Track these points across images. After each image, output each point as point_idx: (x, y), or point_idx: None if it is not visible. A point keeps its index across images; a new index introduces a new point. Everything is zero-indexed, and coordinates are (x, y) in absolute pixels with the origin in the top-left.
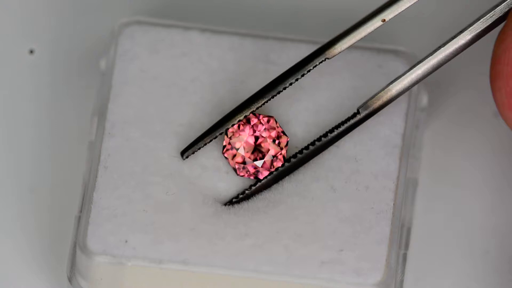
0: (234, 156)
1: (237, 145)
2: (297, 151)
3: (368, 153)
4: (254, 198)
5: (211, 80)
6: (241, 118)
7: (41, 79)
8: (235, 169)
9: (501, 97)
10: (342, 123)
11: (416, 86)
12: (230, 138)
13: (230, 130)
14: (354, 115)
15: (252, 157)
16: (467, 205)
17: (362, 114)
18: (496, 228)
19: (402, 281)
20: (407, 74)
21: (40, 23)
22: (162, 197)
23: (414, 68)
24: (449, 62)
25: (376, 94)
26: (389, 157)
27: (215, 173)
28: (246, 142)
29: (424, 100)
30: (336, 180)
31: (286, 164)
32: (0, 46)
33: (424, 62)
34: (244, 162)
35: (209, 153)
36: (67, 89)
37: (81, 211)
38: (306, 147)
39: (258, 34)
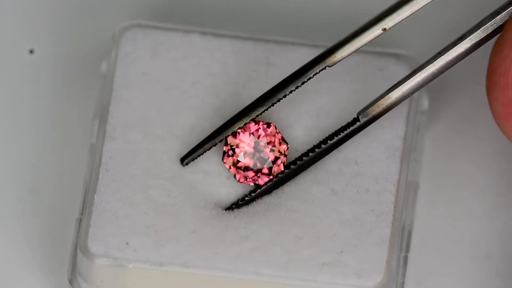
0: (234, 163)
1: (237, 152)
2: (297, 155)
3: (369, 156)
4: (255, 202)
5: (212, 83)
6: (241, 125)
7: (41, 79)
8: (235, 176)
9: (498, 107)
10: (342, 129)
11: None
12: (230, 145)
13: (230, 137)
14: (354, 122)
15: (252, 163)
16: (468, 209)
17: (362, 121)
18: (497, 232)
19: (403, 284)
20: (407, 81)
21: (41, 24)
22: (163, 200)
23: (414, 76)
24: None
25: (375, 101)
26: (390, 161)
27: (216, 178)
28: (246, 149)
29: (425, 103)
30: (337, 183)
31: (286, 170)
32: (0, 46)
33: (424, 70)
34: (244, 169)
35: (210, 158)
36: (67, 91)
37: (82, 213)
38: (306, 154)
39: (259, 37)
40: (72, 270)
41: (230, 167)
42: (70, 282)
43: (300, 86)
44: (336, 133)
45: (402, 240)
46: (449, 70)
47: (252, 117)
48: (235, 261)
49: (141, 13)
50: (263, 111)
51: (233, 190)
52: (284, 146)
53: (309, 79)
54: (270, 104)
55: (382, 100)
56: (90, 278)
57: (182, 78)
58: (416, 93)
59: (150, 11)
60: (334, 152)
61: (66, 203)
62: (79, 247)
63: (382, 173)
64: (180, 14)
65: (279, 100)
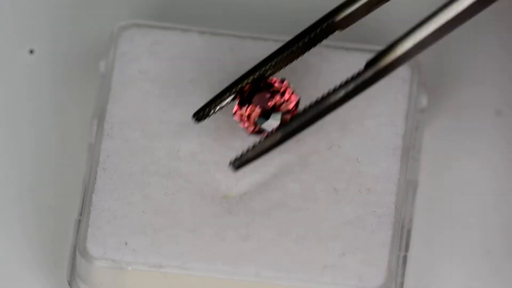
0: (245, 115)
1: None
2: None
3: (369, 154)
4: (257, 198)
5: (210, 81)
6: (254, 78)
7: (41, 79)
8: (246, 128)
9: None
10: (349, 81)
11: (415, 87)
12: (242, 98)
13: (243, 91)
14: (361, 72)
15: (263, 116)
16: (467, 205)
17: (369, 72)
18: (497, 228)
19: (402, 284)
20: (414, 31)
21: (41, 24)
22: (161, 198)
23: (420, 25)
24: (449, 63)
25: (385, 50)
26: (390, 159)
27: (212, 166)
28: (258, 102)
29: (424, 101)
30: (339, 181)
31: (294, 122)
32: (0, 46)
33: (426, 21)
34: (255, 123)
35: (209, 151)
36: (67, 90)
37: (81, 214)
38: (313, 105)
39: (257, 36)
40: (71, 272)
41: (240, 120)
42: (69, 283)
43: (311, 43)
44: (343, 84)
45: (401, 239)
46: (448, 68)
47: (265, 72)
48: (236, 262)
49: (139, 12)
50: (276, 70)
51: (232, 174)
52: (294, 98)
53: (316, 36)
54: (282, 63)
55: (392, 50)
56: (89, 280)
57: (180, 76)
58: (415, 91)
59: (148, 10)
60: (335, 149)
61: (66, 203)
62: (78, 249)
63: (383, 172)
64: (178, 13)
65: (291, 60)
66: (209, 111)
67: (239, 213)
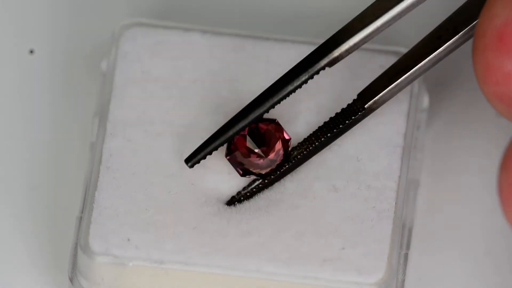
0: (238, 159)
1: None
2: (299, 149)
3: (370, 152)
4: (256, 197)
5: (212, 81)
6: (246, 124)
7: (41, 79)
8: (238, 172)
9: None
10: (343, 121)
11: (417, 87)
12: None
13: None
14: (358, 110)
15: (255, 157)
16: (468, 205)
17: (367, 111)
18: (497, 228)
19: (403, 281)
20: (411, 72)
21: (41, 24)
22: (164, 197)
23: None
24: (450, 63)
25: (380, 94)
26: (391, 157)
27: (217, 174)
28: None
29: (425, 100)
30: (338, 179)
31: (289, 163)
32: (0, 46)
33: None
34: (246, 166)
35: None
36: (67, 90)
37: (82, 212)
38: (308, 146)
39: (259, 35)
40: (73, 268)
41: (233, 163)
42: (71, 280)
43: (305, 83)
44: (337, 124)
45: (402, 238)
46: (450, 67)
47: (257, 115)
48: (237, 258)
49: (141, 11)
50: (269, 109)
51: (235, 185)
52: (286, 139)
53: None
54: (277, 101)
55: (386, 92)
56: (91, 276)
57: (182, 76)
58: (417, 90)
59: (150, 9)
60: (335, 148)
61: (66, 201)
62: (79, 245)
63: (383, 169)
64: (180, 13)
65: (285, 97)
66: (204, 155)
67: (239, 210)
